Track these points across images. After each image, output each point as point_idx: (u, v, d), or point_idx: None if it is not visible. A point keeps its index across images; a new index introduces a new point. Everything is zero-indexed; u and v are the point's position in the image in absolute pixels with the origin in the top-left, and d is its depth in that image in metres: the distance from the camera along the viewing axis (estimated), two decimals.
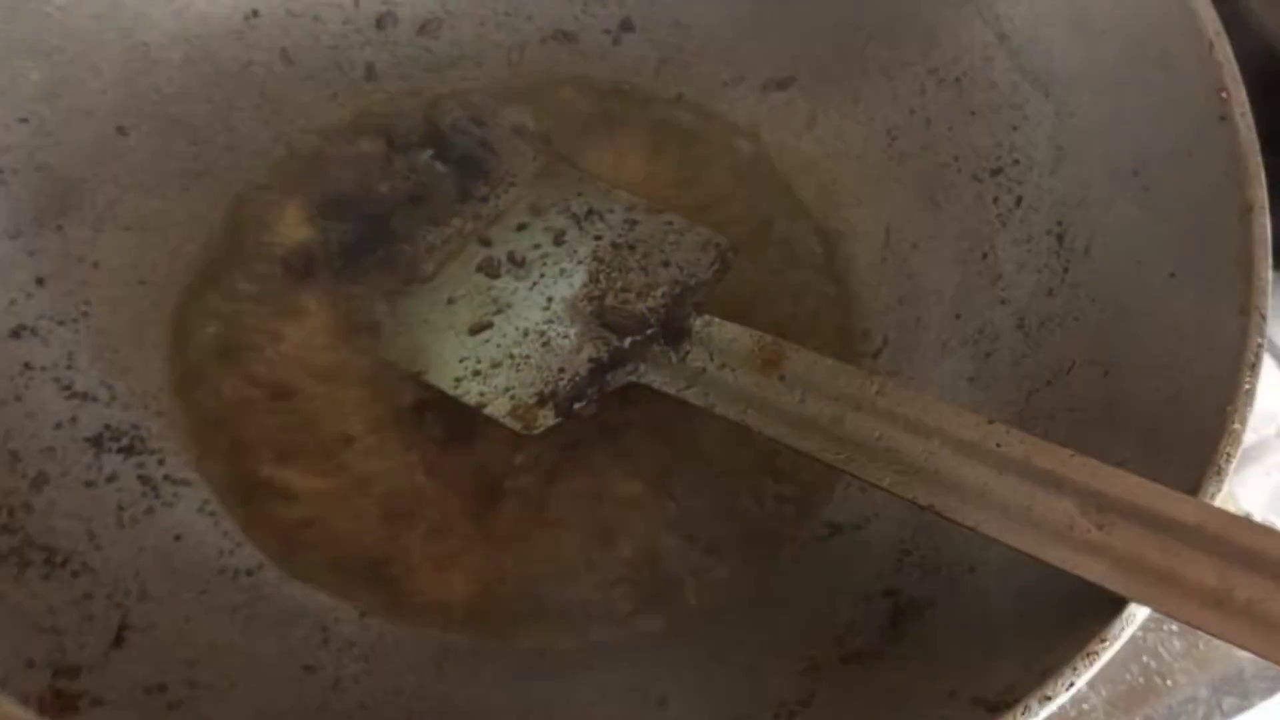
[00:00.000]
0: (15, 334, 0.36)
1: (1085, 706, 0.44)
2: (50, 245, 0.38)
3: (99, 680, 0.28)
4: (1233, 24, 0.49)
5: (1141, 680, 0.45)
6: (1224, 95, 0.36)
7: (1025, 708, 0.28)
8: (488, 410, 0.39)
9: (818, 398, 0.36)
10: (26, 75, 0.39)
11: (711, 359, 0.38)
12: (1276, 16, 0.48)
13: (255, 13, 0.44)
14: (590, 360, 0.40)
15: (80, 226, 0.39)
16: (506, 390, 0.39)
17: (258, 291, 0.42)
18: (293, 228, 0.43)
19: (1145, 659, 0.45)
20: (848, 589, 0.37)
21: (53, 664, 0.28)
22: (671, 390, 0.38)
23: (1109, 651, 0.29)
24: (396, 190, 0.45)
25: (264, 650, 0.34)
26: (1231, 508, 0.50)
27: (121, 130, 0.41)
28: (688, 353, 0.39)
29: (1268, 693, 0.45)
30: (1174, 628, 0.46)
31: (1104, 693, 0.45)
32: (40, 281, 0.38)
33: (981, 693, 0.29)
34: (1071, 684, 0.28)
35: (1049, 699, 0.28)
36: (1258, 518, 0.50)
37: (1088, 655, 0.28)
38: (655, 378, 0.39)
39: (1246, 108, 0.36)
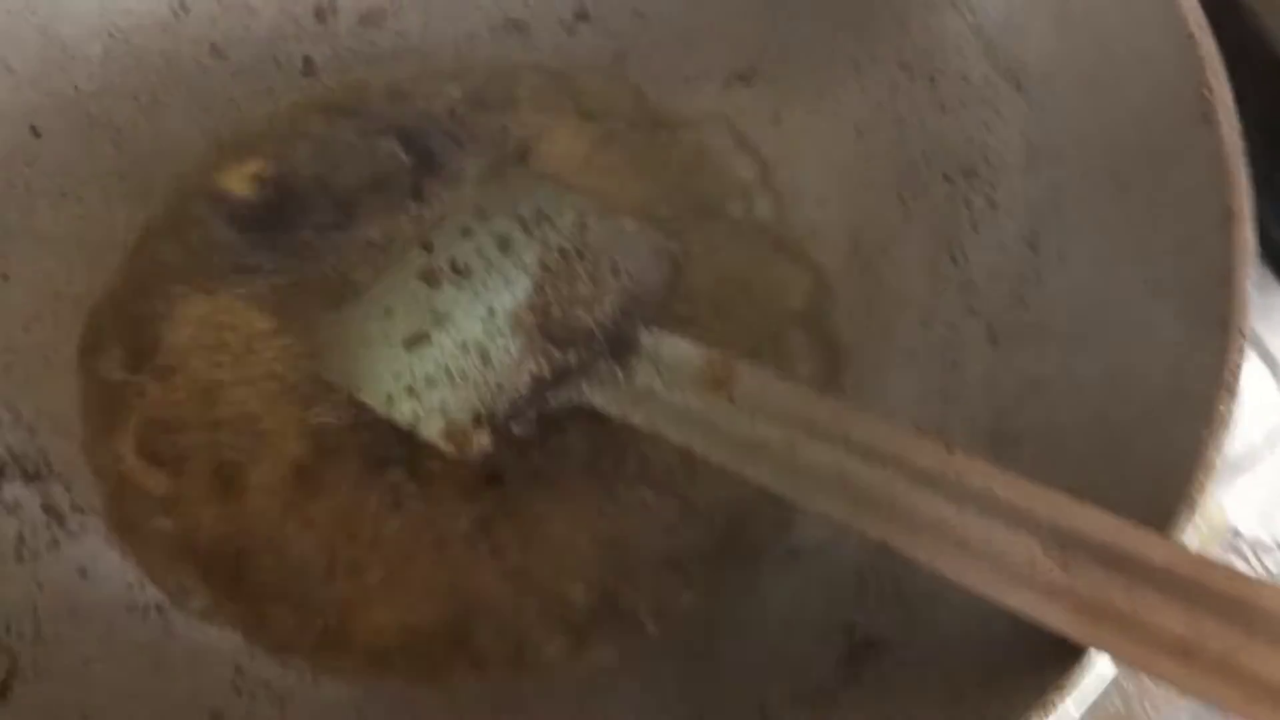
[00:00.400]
0: None
1: None
2: None
3: None
4: (1228, 18, 0.47)
5: (1122, 709, 0.43)
6: (1207, 94, 0.34)
7: None
8: (419, 430, 0.37)
9: (769, 421, 0.33)
10: None
11: (659, 376, 0.36)
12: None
13: (183, 4, 0.42)
14: (531, 376, 0.37)
15: None
16: (440, 409, 0.37)
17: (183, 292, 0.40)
18: (236, 182, 0.41)
19: (1127, 685, 0.43)
20: (805, 621, 0.35)
21: None
22: (615, 412, 0.36)
23: (1067, 698, 0.27)
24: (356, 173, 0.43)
25: (170, 694, 0.32)
26: (1220, 520, 0.48)
27: (35, 131, 0.39)
28: (635, 370, 0.37)
29: None
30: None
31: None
32: None
33: None
34: None
35: None
36: (1247, 532, 0.48)
37: (1044, 704, 0.26)
38: (600, 398, 0.37)
39: (1231, 108, 0.34)
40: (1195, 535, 0.45)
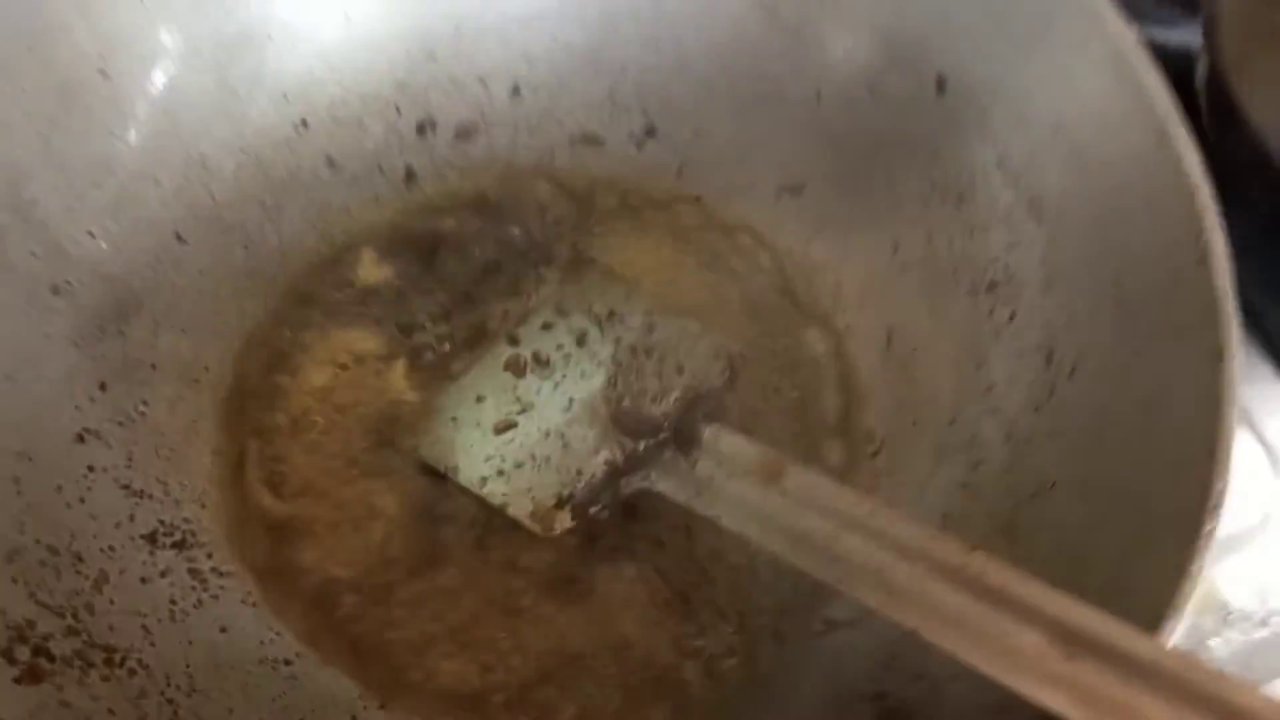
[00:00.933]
0: (80, 438, 0.40)
1: None
2: (112, 350, 0.42)
3: None
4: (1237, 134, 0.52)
5: None
6: (1204, 240, 0.39)
7: None
8: (510, 511, 0.42)
9: (815, 514, 0.38)
10: (96, 191, 0.42)
11: (719, 467, 0.41)
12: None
13: (304, 122, 0.48)
14: (606, 463, 0.43)
15: (140, 331, 0.43)
16: (528, 491, 0.42)
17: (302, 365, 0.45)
18: (369, 269, 0.47)
19: None
20: (839, 687, 0.40)
21: None
22: (680, 499, 0.41)
23: None
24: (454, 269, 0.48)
25: None
26: (1214, 596, 0.52)
27: (179, 238, 0.45)
28: (697, 460, 0.42)
29: None
30: None
31: None
32: (103, 386, 0.41)
33: None
34: None
35: None
36: (1237, 607, 0.52)
37: None
38: (666, 485, 0.42)
39: (1224, 253, 0.39)
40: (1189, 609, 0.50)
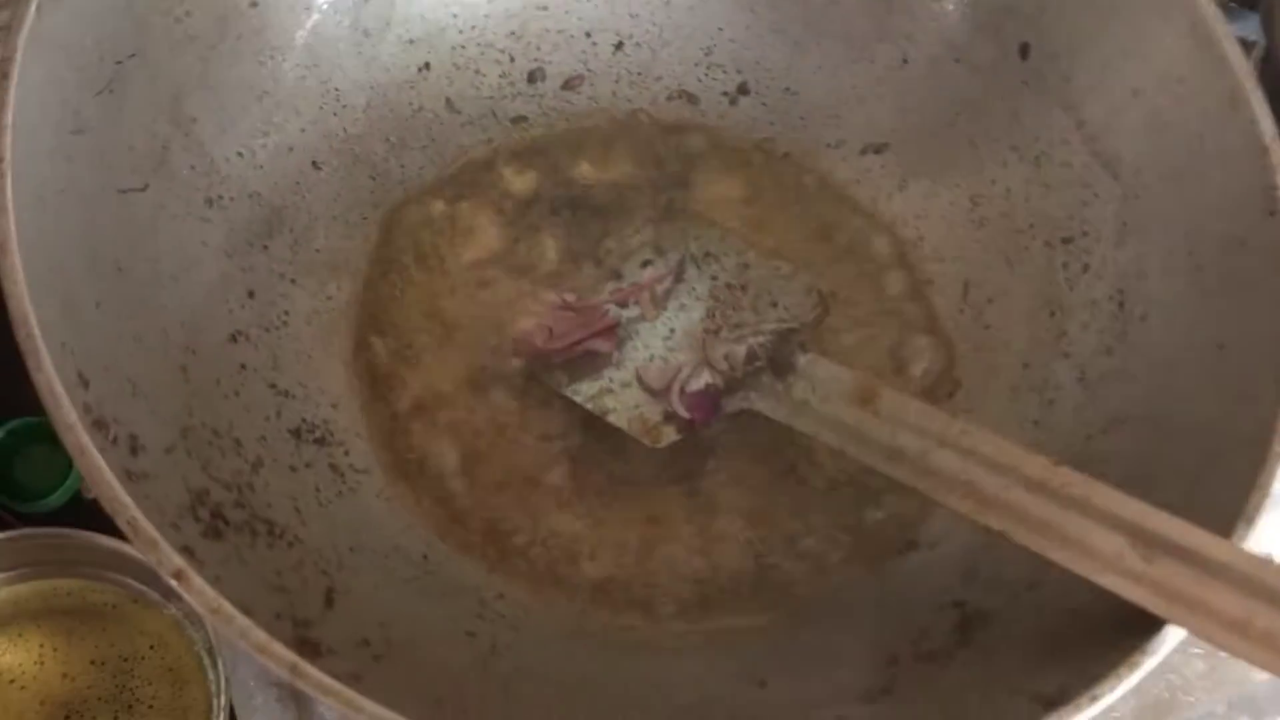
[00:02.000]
0: (233, 339, 0.43)
1: (1114, 715, 0.50)
2: (258, 263, 0.45)
3: (324, 632, 0.35)
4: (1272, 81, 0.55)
5: (1166, 695, 0.51)
6: (1274, 193, 0.42)
7: (1075, 705, 0.34)
8: (619, 424, 0.46)
9: (908, 432, 0.42)
10: (244, 115, 0.46)
11: (814, 391, 0.45)
12: None
13: (427, 65, 0.51)
14: (707, 385, 0.46)
15: (282, 248, 0.46)
16: (636, 407, 0.46)
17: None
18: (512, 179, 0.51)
19: (1170, 676, 0.51)
20: (924, 598, 0.43)
21: (291, 617, 0.34)
22: (779, 417, 0.45)
23: (1149, 663, 0.34)
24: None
25: (435, 617, 0.40)
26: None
27: (315, 165, 0.48)
28: (793, 385, 0.45)
29: (1278, 711, 0.51)
30: (1198, 650, 0.51)
31: (1132, 703, 0.51)
32: (251, 294, 0.44)
33: (1038, 691, 0.35)
34: (1115, 688, 0.34)
35: (1096, 698, 0.34)
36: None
37: (1130, 664, 0.34)
38: (764, 405, 0.45)
39: None
40: None
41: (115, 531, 0.45)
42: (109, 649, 0.50)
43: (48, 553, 0.49)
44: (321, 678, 0.30)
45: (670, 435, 0.45)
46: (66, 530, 0.48)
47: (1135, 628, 0.35)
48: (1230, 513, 0.37)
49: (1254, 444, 0.38)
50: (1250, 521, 0.37)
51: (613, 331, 0.48)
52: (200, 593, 0.30)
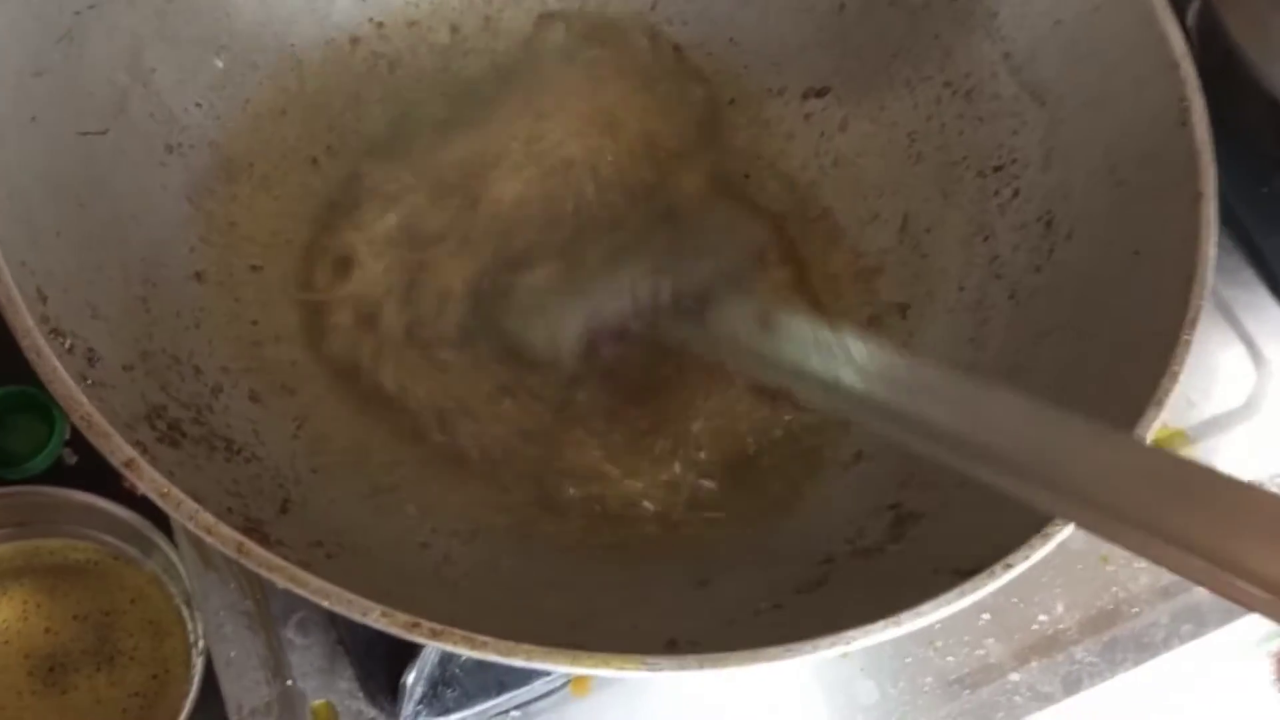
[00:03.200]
0: (195, 277, 0.45)
1: (1061, 626, 0.52)
2: (217, 209, 0.47)
3: (276, 531, 0.36)
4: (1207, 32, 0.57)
5: (1111, 607, 0.53)
6: (1184, 105, 0.44)
7: (990, 574, 0.35)
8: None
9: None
10: (202, 68, 0.48)
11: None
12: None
13: (381, 23, 0.53)
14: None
15: (241, 194, 0.48)
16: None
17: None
18: None
19: (1115, 589, 0.53)
20: (863, 504, 0.45)
21: (243, 515, 0.36)
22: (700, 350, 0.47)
23: (1060, 534, 0.36)
24: None
25: (390, 529, 0.42)
26: None
27: (274, 116, 0.50)
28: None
29: (1220, 622, 0.53)
30: (1142, 565, 0.53)
31: (1078, 615, 0.52)
32: (210, 236, 0.46)
33: (957, 565, 0.37)
34: (1029, 556, 0.36)
35: (1010, 566, 0.35)
36: None
37: (1043, 535, 0.36)
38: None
39: (1204, 114, 0.44)
40: None
41: (96, 491, 0.48)
42: (91, 604, 0.52)
43: (31, 512, 0.51)
44: (268, 556, 0.32)
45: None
46: (48, 489, 0.50)
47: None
48: (1142, 397, 0.39)
49: (1164, 335, 0.40)
50: (1160, 405, 0.38)
51: None
52: (151, 479, 0.32)
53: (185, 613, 0.52)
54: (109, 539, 0.52)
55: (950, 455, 0.36)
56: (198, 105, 0.47)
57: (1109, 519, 0.32)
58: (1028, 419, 0.35)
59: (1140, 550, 0.31)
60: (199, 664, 0.48)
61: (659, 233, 0.51)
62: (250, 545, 0.32)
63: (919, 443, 0.37)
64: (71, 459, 0.54)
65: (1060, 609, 0.52)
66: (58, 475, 0.53)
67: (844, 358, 0.39)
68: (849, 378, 0.39)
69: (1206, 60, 0.56)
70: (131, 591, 0.52)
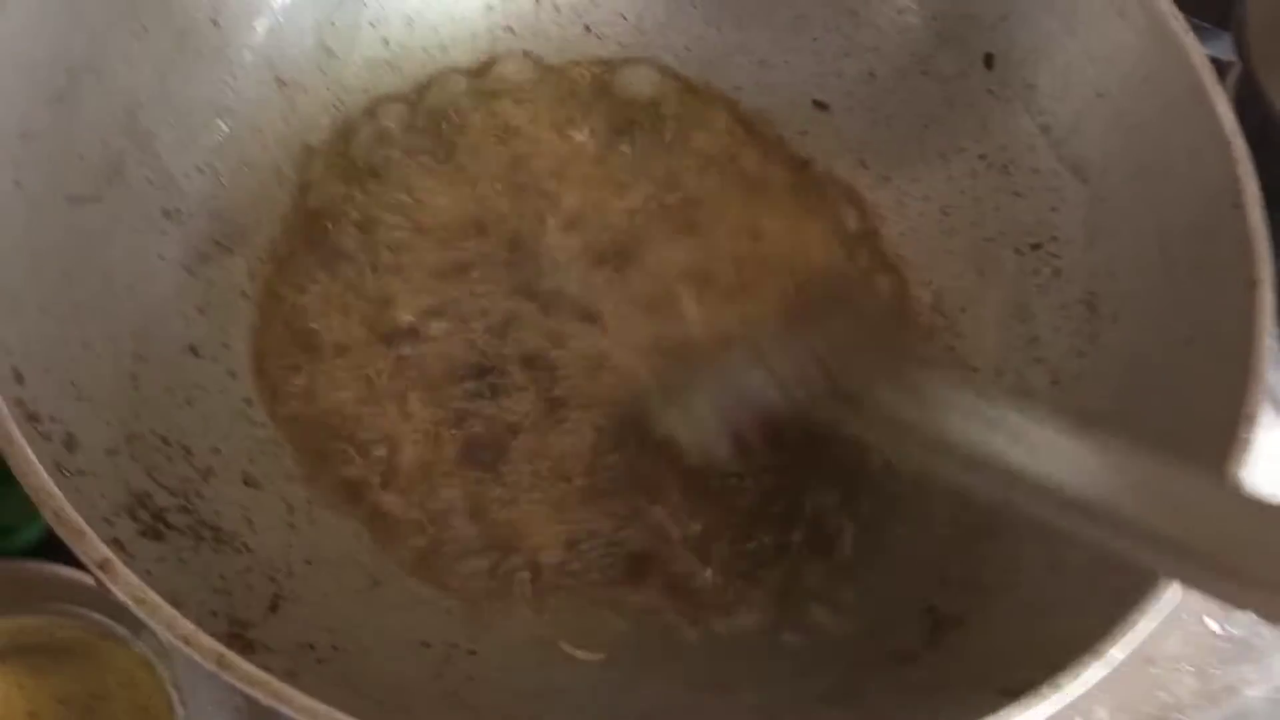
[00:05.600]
0: (189, 351, 0.43)
1: None
2: (217, 277, 0.45)
3: (263, 634, 0.34)
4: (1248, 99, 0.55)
5: (1157, 713, 0.50)
6: (1238, 186, 0.42)
7: (1038, 694, 0.33)
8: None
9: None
10: (204, 131, 0.46)
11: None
12: None
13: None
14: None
15: (242, 263, 0.46)
16: None
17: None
18: None
19: (1160, 693, 0.50)
20: (894, 604, 0.42)
21: (228, 617, 0.34)
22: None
23: (1114, 654, 0.33)
24: None
25: (387, 626, 0.39)
26: None
27: (279, 181, 0.48)
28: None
29: None
30: (1189, 668, 0.50)
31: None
32: (207, 308, 0.44)
33: (1003, 684, 0.34)
34: (1080, 676, 0.33)
35: (1059, 687, 0.33)
36: None
37: (1094, 653, 0.33)
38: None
39: (1258, 195, 0.41)
40: None
41: (84, 566, 0.45)
42: (76, 686, 0.49)
43: (14, 588, 0.49)
44: (249, 669, 0.29)
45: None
46: (33, 563, 0.48)
47: (1100, 623, 0.35)
48: None
49: (1222, 430, 0.37)
50: None
51: None
52: (126, 583, 0.30)
53: (176, 698, 0.49)
54: (97, 617, 0.49)
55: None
56: (199, 170, 0.45)
57: None
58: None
59: None
60: None
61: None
62: (231, 658, 0.29)
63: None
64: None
65: (1103, 715, 0.49)
66: (49, 548, 0.51)
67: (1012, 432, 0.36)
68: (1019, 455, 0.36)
69: (1248, 128, 0.55)
70: (120, 674, 0.50)
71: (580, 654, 0.41)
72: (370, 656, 0.37)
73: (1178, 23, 0.44)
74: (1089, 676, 0.33)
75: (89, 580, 0.46)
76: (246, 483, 0.41)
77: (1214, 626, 0.51)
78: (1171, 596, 0.34)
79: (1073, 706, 0.48)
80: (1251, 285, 0.40)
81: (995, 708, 0.32)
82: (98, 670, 0.49)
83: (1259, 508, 0.32)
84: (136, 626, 0.48)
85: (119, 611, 0.47)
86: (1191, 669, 0.50)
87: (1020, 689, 0.33)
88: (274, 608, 0.37)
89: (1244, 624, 0.51)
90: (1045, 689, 0.33)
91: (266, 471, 0.42)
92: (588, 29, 0.54)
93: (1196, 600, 0.51)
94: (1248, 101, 0.59)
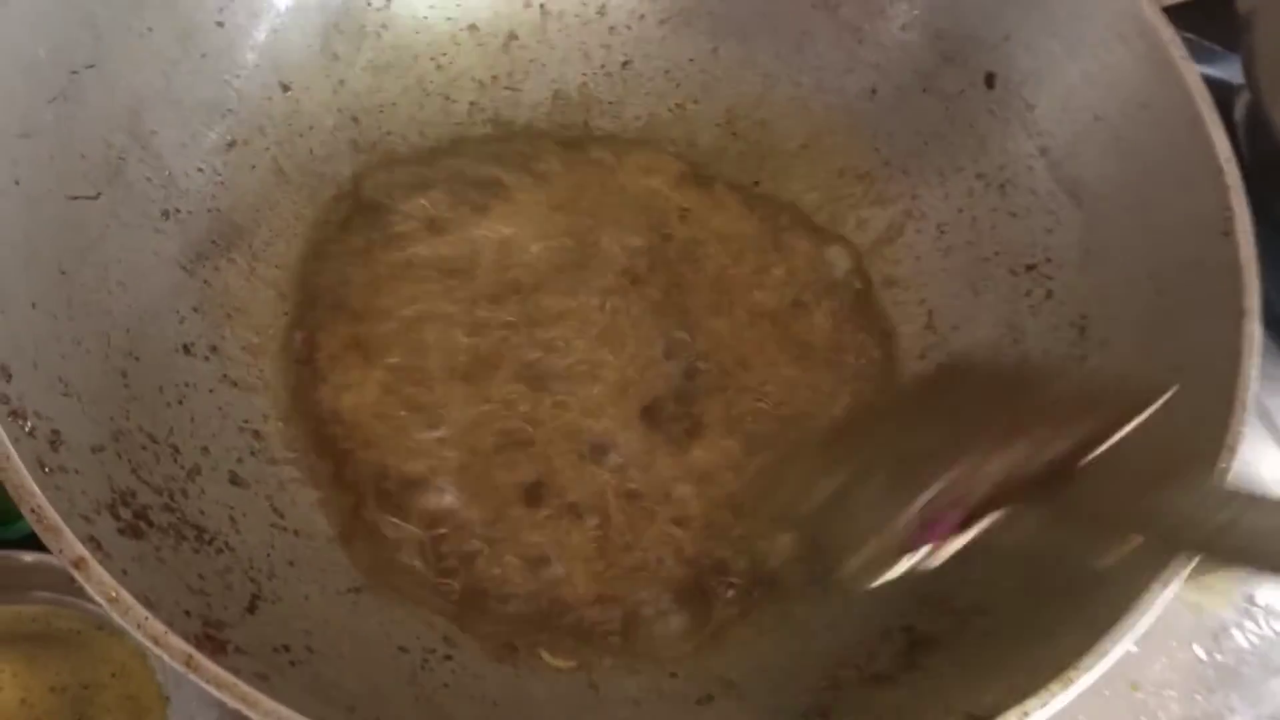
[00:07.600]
0: (182, 350, 0.43)
1: None
2: (214, 277, 0.45)
3: (238, 635, 0.34)
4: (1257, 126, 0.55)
5: None
6: (1228, 215, 0.42)
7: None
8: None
9: None
10: (207, 130, 0.46)
11: None
12: None
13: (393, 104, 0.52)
14: None
15: (239, 263, 0.46)
16: None
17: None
18: None
19: (1144, 719, 0.50)
20: (875, 622, 0.42)
21: (203, 617, 0.34)
22: None
23: (1083, 680, 0.33)
24: None
25: (366, 630, 0.40)
26: (1236, 590, 0.54)
27: (280, 183, 0.48)
28: None
29: None
30: (1172, 692, 0.50)
31: None
32: (202, 307, 0.45)
33: (972, 709, 0.34)
34: (1046, 703, 0.33)
35: (1026, 714, 0.33)
36: (1261, 599, 0.53)
37: (1063, 680, 0.33)
38: None
39: (1248, 226, 0.41)
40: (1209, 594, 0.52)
41: None
42: (70, 676, 0.50)
43: (11, 576, 0.49)
44: (217, 671, 0.29)
45: None
46: (29, 553, 0.48)
47: (1072, 648, 0.35)
48: None
49: (1202, 460, 0.37)
50: None
51: None
52: (99, 581, 0.30)
53: (169, 690, 0.49)
54: (93, 607, 0.50)
55: None
56: (200, 170, 0.46)
57: None
58: None
59: None
60: None
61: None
62: (199, 659, 0.29)
63: None
64: None
65: None
66: None
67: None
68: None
69: (1255, 156, 0.54)
70: (113, 665, 0.50)
71: (556, 662, 0.41)
72: (345, 660, 0.37)
73: (1177, 49, 0.44)
74: (1056, 704, 0.33)
75: None
76: (234, 482, 0.42)
77: (1201, 653, 0.51)
78: (1143, 624, 0.34)
79: None
80: (1239, 315, 0.40)
81: None
82: (91, 660, 0.49)
83: None
84: None
85: None
86: (1176, 695, 0.50)
87: (987, 715, 0.33)
88: (252, 609, 0.37)
89: (1231, 652, 0.51)
90: (1011, 715, 0.33)
91: (254, 472, 0.42)
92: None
93: (1184, 626, 0.51)
94: (1255, 130, 0.59)
